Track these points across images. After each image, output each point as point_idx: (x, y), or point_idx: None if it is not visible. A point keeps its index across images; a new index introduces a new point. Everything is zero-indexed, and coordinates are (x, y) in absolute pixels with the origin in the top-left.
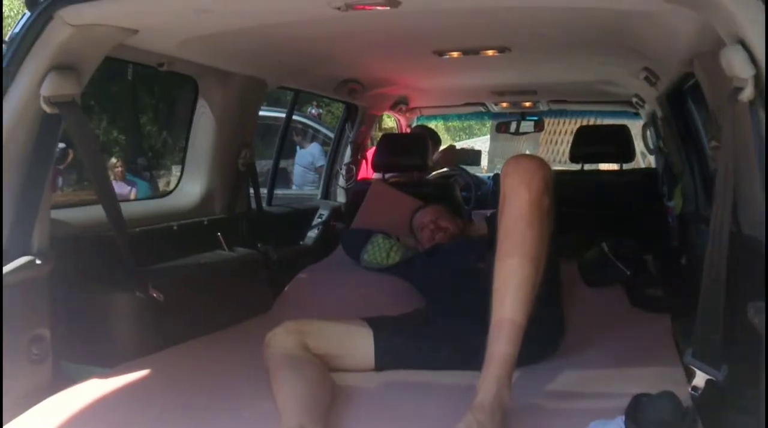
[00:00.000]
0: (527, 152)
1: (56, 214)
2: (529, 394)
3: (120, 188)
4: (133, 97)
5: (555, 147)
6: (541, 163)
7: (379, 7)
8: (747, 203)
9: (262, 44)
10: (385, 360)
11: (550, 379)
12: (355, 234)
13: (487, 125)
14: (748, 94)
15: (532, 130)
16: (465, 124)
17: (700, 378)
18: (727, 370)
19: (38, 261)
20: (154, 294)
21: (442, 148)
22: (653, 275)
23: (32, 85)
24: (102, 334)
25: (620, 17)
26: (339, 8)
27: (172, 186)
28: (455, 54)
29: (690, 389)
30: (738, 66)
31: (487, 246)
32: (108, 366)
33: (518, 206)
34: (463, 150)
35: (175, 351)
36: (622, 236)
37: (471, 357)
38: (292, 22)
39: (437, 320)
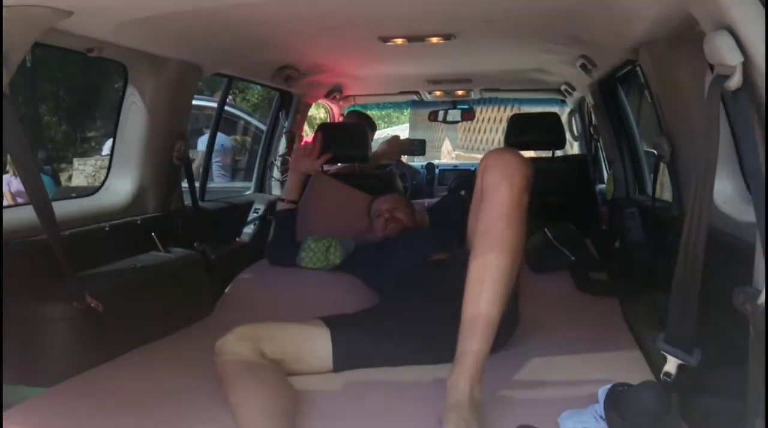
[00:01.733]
0: (447, 140)
1: None
2: (496, 385)
3: (20, 184)
4: (32, 85)
5: (475, 135)
6: (523, 159)
7: None
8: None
9: (201, 27)
10: (343, 360)
11: (511, 369)
12: (277, 246)
13: (406, 114)
14: (735, 81)
15: (459, 119)
16: (384, 113)
17: (671, 364)
18: (700, 355)
19: None
20: (92, 304)
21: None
22: (595, 259)
23: None
24: (36, 350)
25: (571, 3)
26: None
27: (75, 181)
28: (400, 41)
29: (662, 375)
30: (725, 53)
31: (438, 238)
32: (44, 385)
33: (499, 203)
34: (408, 140)
35: (116, 365)
36: (556, 222)
37: (430, 352)
38: (239, 3)
39: (393, 316)
